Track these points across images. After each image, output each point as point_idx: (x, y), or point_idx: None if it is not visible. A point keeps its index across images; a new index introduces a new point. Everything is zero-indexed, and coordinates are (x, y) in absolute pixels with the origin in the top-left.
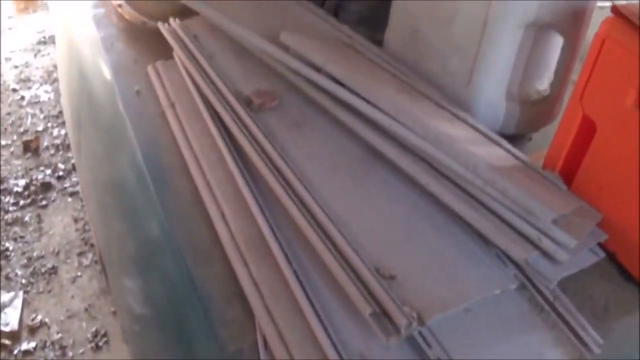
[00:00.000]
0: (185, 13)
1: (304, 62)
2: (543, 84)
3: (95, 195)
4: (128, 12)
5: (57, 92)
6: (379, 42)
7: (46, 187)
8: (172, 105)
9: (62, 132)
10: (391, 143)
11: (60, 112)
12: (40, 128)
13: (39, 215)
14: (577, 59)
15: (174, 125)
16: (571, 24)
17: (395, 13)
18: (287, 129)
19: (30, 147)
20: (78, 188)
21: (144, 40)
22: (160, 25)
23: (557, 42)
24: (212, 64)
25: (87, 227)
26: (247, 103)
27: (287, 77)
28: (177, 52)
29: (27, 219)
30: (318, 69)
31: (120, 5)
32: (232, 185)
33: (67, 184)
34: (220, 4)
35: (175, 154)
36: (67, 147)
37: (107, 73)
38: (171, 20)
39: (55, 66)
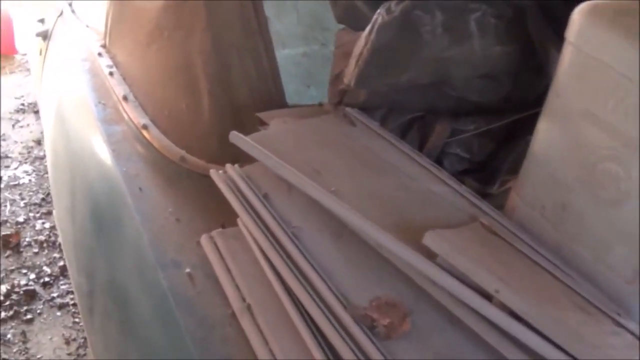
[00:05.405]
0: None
1: (465, 283)
2: None
3: None
4: (157, 137)
5: (38, 173)
6: (489, 197)
7: (30, 295)
8: (249, 308)
9: (47, 225)
10: None
11: (44, 199)
12: (20, 219)
13: (23, 333)
14: None
15: (256, 345)
16: None
17: (532, 177)
18: None
19: (10, 244)
20: (67, 299)
21: (186, 186)
22: (213, 173)
23: None
24: (301, 248)
25: (81, 351)
26: (370, 327)
27: (420, 283)
28: (245, 222)
29: (9, 336)
30: (488, 296)
31: (145, 127)
32: None
33: (55, 293)
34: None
35: None
36: (53, 245)
37: (139, 235)
38: (228, 166)
39: (35, 141)
